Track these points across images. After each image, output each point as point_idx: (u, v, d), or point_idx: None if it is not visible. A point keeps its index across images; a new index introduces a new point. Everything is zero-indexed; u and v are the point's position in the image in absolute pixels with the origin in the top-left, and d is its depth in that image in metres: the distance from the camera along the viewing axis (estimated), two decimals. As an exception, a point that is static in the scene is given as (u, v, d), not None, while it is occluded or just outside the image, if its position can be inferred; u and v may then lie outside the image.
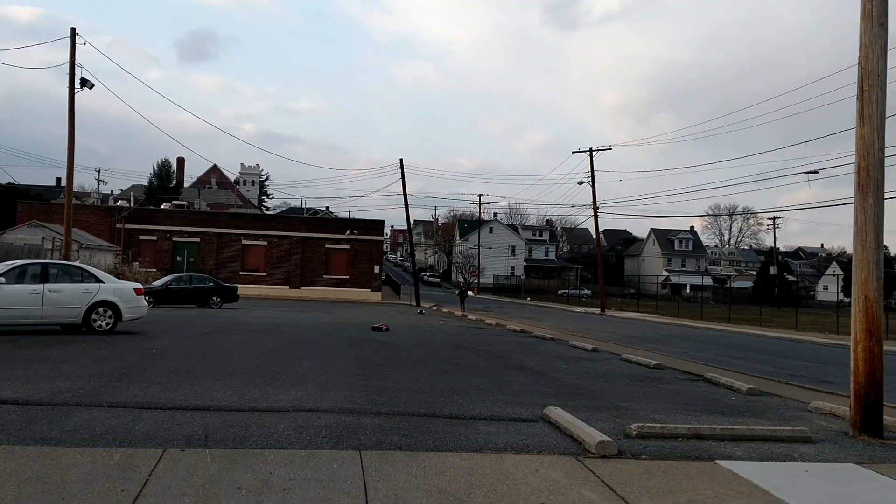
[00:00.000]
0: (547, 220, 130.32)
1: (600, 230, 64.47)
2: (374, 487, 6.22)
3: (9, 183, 59.37)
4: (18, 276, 17.06)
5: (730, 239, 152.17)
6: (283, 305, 41.92)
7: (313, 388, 10.86)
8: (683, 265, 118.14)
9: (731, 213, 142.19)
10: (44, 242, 37.32)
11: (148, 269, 47.16)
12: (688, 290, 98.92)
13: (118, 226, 55.14)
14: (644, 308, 62.09)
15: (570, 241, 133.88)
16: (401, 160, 55.00)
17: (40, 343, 15.08)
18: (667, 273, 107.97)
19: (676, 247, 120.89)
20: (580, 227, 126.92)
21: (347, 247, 59.77)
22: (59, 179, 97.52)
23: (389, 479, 6.47)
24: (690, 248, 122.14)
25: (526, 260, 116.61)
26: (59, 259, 28.28)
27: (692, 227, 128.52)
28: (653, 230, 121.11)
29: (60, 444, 6.95)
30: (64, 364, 12.09)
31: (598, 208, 58.56)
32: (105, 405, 8.77)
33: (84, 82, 32.11)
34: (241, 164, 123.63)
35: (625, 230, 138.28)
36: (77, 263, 22.33)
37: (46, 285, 17.11)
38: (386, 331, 25.02)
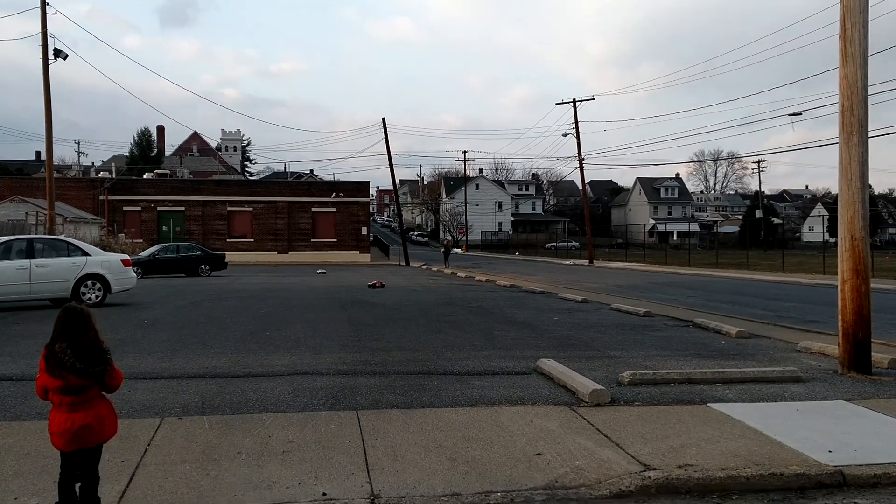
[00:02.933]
0: (533, 175, 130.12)
1: (586, 182, 64.48)
2: (372, 445, 6.29)
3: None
4: (4, 252, 16.92)
5: (715, 184, 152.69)
6: (273, 271, 41.87)
7: (307, 352, 10.91)
8: (670, 213, 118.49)
9: (716, 159, 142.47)
10: (27, 217, 36.97)
11: (134, 240, 46.87)
12: (675, 238, 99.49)
13: (101, 198, 54.60)
14: (632, 257, 62.44)
15: (557, 194, 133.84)
16: (383, 119, 54.55)
17: (31, 319, 15.02)
18: (653, 221, 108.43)
19: (662, 195, 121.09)
20: (566, 179, 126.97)
21: (334, 209, 59.52)
22: (38, 153, 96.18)
23: (387, 437, 6.54)
24: (676, 196, 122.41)
25: (513, 215, 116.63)
26: (44, 234, 28.04)
27: (678, 174, 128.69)
28: (638, 179, 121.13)
29: (57, 417, 6.96)
30: (56, 339, 12.07)
31: (583, 160, 58.48)
32: (100, 377, 8.77)
33: (57, 53, 31.47)
34: (222, 129, 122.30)
35: (611, 181, 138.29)
36: (63, 237, 22.14)
37: (33, 261, 16.99)
38: (381, 287, 25.16)
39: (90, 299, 17.48)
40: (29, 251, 17.26)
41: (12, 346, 11.36)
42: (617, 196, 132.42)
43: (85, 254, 17.99)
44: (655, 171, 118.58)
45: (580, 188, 73.26)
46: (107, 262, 18.36)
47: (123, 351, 10.78)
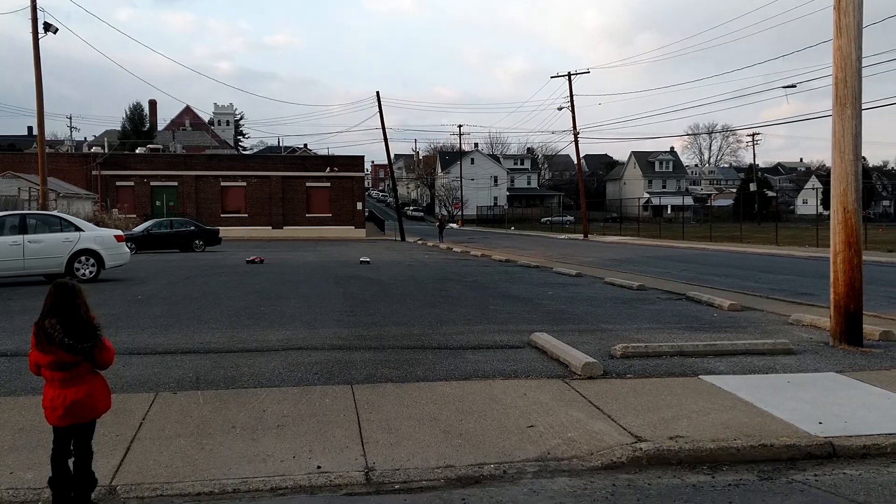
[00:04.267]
0: (528, 149, 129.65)
1: (581, 156, 64.28)
2: (367, 419, 6.33)
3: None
4: (-4, 228, 16.85)
5: (710, 158, 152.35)
6: (267, 246, 41.81)
7: (302, 327, 10.93)
8: (664, 186, 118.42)
9: (711, 132, 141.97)
10: (20, 193, 36.75)
11: (127, 216, 46.69)
12: (669, 211, 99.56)
13: (94, 173, 54.28)
14: (626, 231, 62.52)
15: (552, 168, 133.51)
16: (377, 93, 54.12)
17: (24, 294, 15.00)
18: (648, 195, 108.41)
19: (657, 168, 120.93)
20: (561, 153, 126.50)
21: (328, 184, 59.28)
22: (30, 129, 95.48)
23: (382, 411, 6.57)
24: (671, 169, 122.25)
25: (508, 189, 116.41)
26: (37, 209, 27.90)
27: (672, 147, 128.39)
28: (633, 153, 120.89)
29: (52, 393, 6.97)
30: (50, 314, 12.05)
31: (578, 134, 58.28)
32: (94, 353, 8.77)
33: (48, 27, 31.10)
34: (215, 104, 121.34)
35: (605, 154, 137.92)
36: (55, 213, 22.06)
37: (26, 236, 16.92)
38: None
39: (84, 275, 17.45)
40: (22, 227, 17.18)
41: (6, 321, 11.35)
42: (612, 170, 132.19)
43: (78, 229, 17.92)
44: (650, 145, 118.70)
45: (575, 162, 73.06)
46: (100, 237, 18.31)
47: (118, 326, 10.78)
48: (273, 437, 5.88)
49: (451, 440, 5.87)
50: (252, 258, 19.49)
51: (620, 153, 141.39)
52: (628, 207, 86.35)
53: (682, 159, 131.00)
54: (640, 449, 5.54)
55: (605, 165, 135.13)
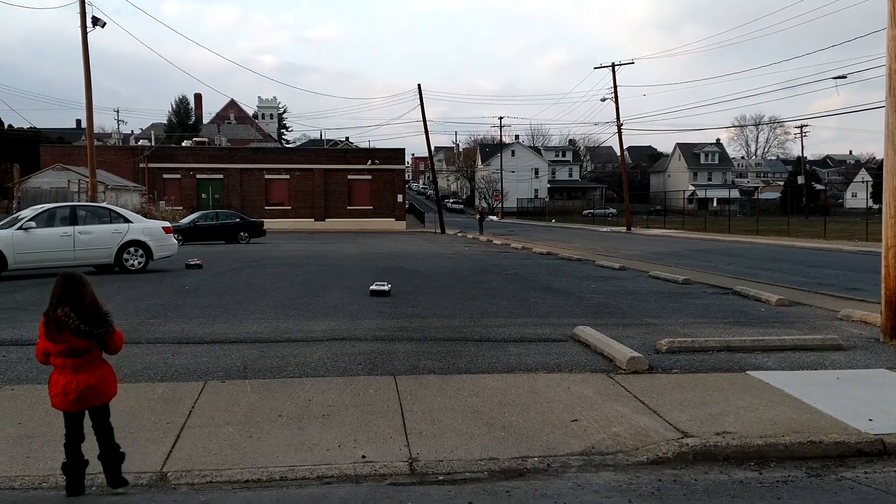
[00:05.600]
0: (570, 140, 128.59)
1: (625, 147, 63.57)
2: (410, 410, 6.37)
3: (30, 127, 59.61)
4: (48, 219, 17.30)
5: (756, 150, 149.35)
6: (309, 238, 42.24)
7: (345, 318, 11.02)
8: (710, 179, 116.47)
9: (758, 124, 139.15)
10: (70, 185, 37.66)
11: (174, 208, 47.54)
12: (714, 204, 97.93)
13: (141, 165, 55.39)
14: (671, 224, 61.68)
15: (594, 160, 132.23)
16: (419, 86, 54.27)
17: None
18: (693, 188, 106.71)
19: (702, 160, 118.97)
20: (604, 145, 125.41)
21: (370, 177, 59.61)
22: (79, 121, 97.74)
23: (425, 402, 6.61)
24: (717, 162, 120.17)
25: (549, 182, 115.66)
26: (87, 201, 28.60)
27: (718, 139, 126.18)
28: (678, 145, 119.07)
29: (105, 380, 7.16)
30: (101, 304, 12.35)
31: (621, 125, 57.62)
32: (144, 342, 8.99)
33: (95, 21, 31.80)
34: (259, 97, 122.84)
35: (650, 146, 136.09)
36: (105, 205, 22.57)
37: (76, 227, 17.35)
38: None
39: (133, 265, 17.83)
40: (73, 218, 17.62)
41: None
42: (656, 162, 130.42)
43: (127, 221, 18.31)
44: (695, 137, 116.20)
45: (618, 154, 72.31)
46: (148, 229, 18.68)
47: (166, 316, 11.01)
48: (318, 427, 5.96)
49: (495, 433, 5.88)
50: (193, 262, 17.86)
51: (665, 145, 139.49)
52: (673, 200, 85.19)
53: (728, 151, 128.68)
54: (687, 444, 5.48)
55: (649, 157, 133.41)
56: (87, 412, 4.66)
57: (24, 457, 5.22)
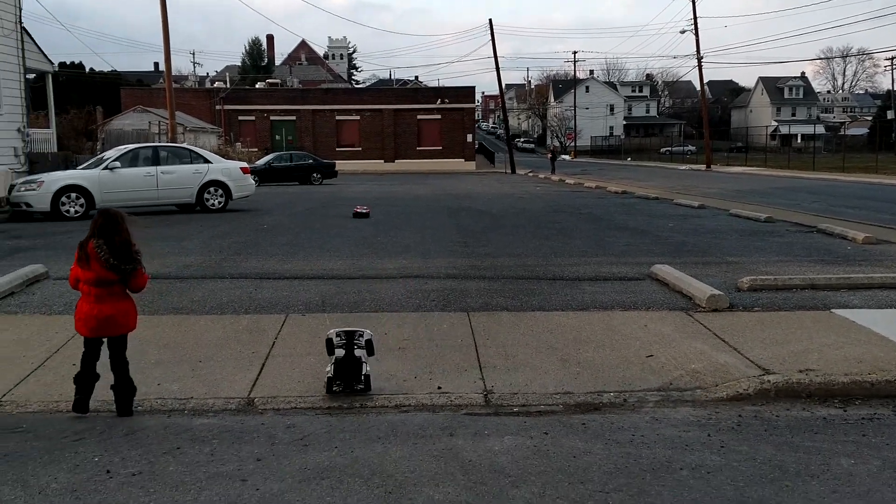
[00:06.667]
0: (647, 75, 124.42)
1: (705, 82, 61.16)
2: (483, 345, 6.43)
3: (111, 70, 61.25)
4: (132, 159, 17.87)
5: (843, 84, 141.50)
6: (379, 179, 42.55)
7: (417, 256, 11.13)
8: (793, 114, 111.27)
9: (846, 56, 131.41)
10: (150, 127, 38.63)
11: (249, 149, 48.38)
12: (798, 141, 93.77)
13: (217, 107, 56.41)
14: (752, 162, 59.49)
15: (673, 95, 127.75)
16: (490, 20, 53.10)
17: (160, 222, 15.94)
18: (776, 123, 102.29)
19: (786, 95, 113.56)
20: (683, 79, 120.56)
21: (439, 117, 59.23)
22: (156, 64, 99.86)
23: (498, 337, 6.66)
24: (801, 96, 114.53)
25: (625, 118, 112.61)
26: (167, 142, 29.37)
27: (803, 73, 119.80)
28: (760, 79, 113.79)
29: (192, 312, 7.47)
30: (185, 241, 12.81)
31: (701, 58, 55.35)
32: (228, 277, 9.30)
33: (170, -36, 32.04)
34: (329, 37, 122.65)
35: (731, 80, 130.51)
36: (185, 146, 23.16)
37: (159, 168, 17.87)
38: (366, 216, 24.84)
39: (213, 205, 18.33)
40: (155, 159, 18.15)
41: (145, 247, 11.93)
42: (737, 97, 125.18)
43: (207, 161, 18.75)
44: (779, 70, 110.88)
45: (698, 89, 69.69)
46: (227, 169, 19.10)
47: (247, 253, 11.34)
48: (395, 358, 6.09)
49: (569, 368, 5.89)
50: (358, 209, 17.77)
51: (747, 79, 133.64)
52: (754, 137, 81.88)
53: (813, 85, 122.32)
54: (769, 381, 5.38)
55: (729, 92, 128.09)
56: (106, 342, 4.96)
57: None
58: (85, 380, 4.93)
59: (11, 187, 17.03)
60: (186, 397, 5.29)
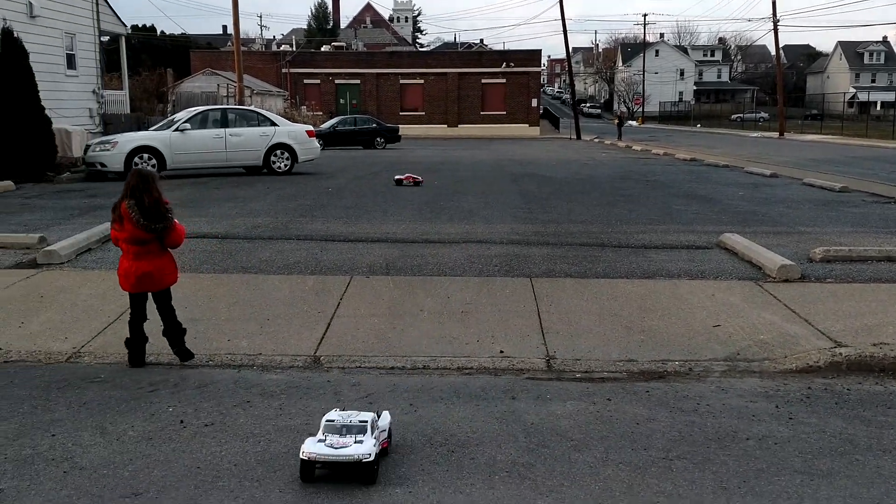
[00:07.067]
0: (720, 39, 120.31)
1: (780, 46, 58.81)
2: (546, 311, 6.41)
3: (181, 33, 62.43)
4: (201, 121, 18.21)
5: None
6: (442, 144, 42.44)
7: (480, 222, 11.11)
8: (873, 81, 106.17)
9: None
10: (219, 89, 39.32)
11: (314, 113, 48.83)
12: (878, 108, 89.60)
13: (283, 71, 56.95)
14: (828, 129, 57.15)
15: (746, 60, 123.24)
16: (557, -18, 51.85)
17: (228, 184, 16.29)
18: (854, 90, 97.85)
19: (866, 60, 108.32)
20: (757, 44, 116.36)
21: (504, 80, 58.54)
22: (224, 27, 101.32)
23: (561, 303, 6.63)
24: (882, 62, 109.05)
25: (696, 84, 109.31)
26: (235, 105, 29.88)
27: (885, 37, 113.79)
28: (839, 43, 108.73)
29: (260, 272, 7.65)
30: (252, 202, 13.08)
31: (777, 21, 53.17)
32: (294, 238, 9.48)
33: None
34: (394, 0, 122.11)
35: (807, 45, 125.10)
36: (253, 108, 23.49)
37: (227, 130, 18.19)
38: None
39: (279, 168, 18.59)
40: (224, 121, 18.46)
41: (215, 207, 12.43)
42: (814, 62, 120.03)
43: (273, 124, 18.98)
44: (859, 34, 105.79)
45: (772, 54, 67.06)
46: (293, 132, 19.30)
47: (313, 216, 11.51)
48: (457, 322, 6.13)
49: (633, 336, 5.83)
50: (401, 178, 16.28)
51: (825, 44, 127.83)
52: (831, 104, 78.60)
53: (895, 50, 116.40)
54: (840, 354, 5.23)
55: (806, 57, 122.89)
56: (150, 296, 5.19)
57: (191, 338, 5.70)
58: (135, 343, 5.18)
59: (87, 147, 17.59)
60: (255, 353, 5.44)
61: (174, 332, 5.26)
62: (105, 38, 24.29)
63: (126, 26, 26.60)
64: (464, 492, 3.42)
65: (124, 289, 5.19)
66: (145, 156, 16.98)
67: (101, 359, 5.38)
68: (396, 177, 16.78)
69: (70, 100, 20.37)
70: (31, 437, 3.99)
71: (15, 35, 15.96)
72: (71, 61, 20.83)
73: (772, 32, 54.40)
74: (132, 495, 3.37)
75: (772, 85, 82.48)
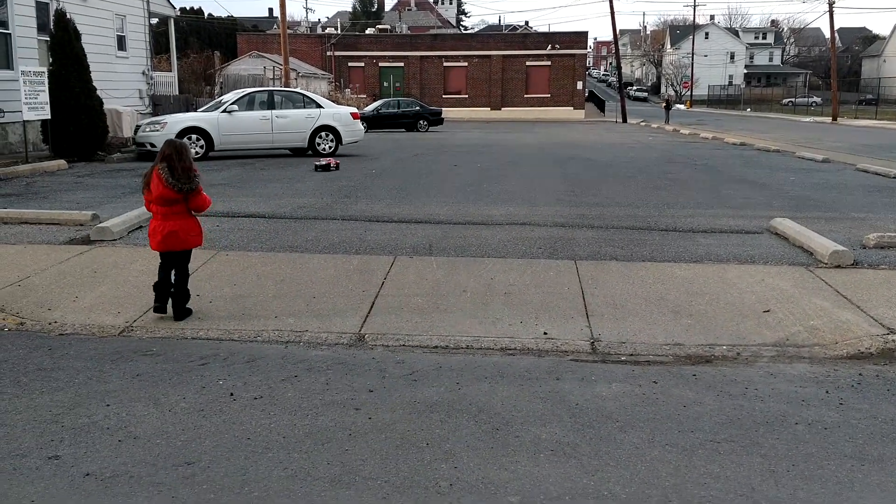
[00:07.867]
0: (772, 21, 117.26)
1: (835, 28, 57.09)
2: (591, 293, 6.37)
3: (228, 16, 63.11)
4: (248, 103, 18.42)
5: None
6: (486, 127, 42.26)
7: (524, 204, 11.06)
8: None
9: None
10: (265, 72, 39.73)
11: (358, 96, 49.04)
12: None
13: (328, 53, 57.21)
14: (883, 115, 55.42)
15: (799, 43, 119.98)
16: (604, -36, 51.06)
17: (274, 165, 16.48)
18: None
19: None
20: (811, 26, 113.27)
21: (548, 63, 57.96)
22: (270, 10, 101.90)
23: (606, 286, 6.58)
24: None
25: (746, 67, 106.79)
26: (281, 87, 30.13)
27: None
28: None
29: (305, 251, 7.74)
30: (297, 183, 13.21)
31: (833, 2, 51.59)
32: (338, 218, 9.56)
33: None
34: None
35: (863, 27, 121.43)
36: (299, 90, 23.66)
37: (274, 111, 18.38)
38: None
39: (324, 150, 18.72)
40: (270, 103, 18.65)
41: (262, 188, 12.59)
42: (870, 45, 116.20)
43: (319, 106, 19.11)
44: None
45: (827, 36, 65.16)
46: (338, 114, 19.41)
47: (357, 196, 11.59)
48: (501, 303, 6.13)
49: (680, 320, 5.77)
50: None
51: (882, 26, 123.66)
52: (887, 88, 76.17)
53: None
54: (893, 341, 5.11)
55: (861, 40, 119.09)
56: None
57: (240, 314, 5.80)
58: (161, 287, 5.67)
59: (137, 128, 17.93)
60: (302, 330, 5.52)
61: (181, 295, 5.68)
62: (154, 21, 24.67)
63: (175, 9, 26.98)
64: (509, 468, 3.43)
65: (153, 247, 5.65)
66: (193, 136, 17.26)
67: (153, 333, 5.51)
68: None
69: (120, 81, 20.78)
70: (87, 407, 4.11)
71: (68, 17, 16.29)
72: (121, 43, 21.24)
73: (826, 14, 52.76)
74: (185, 464, 3.46)
75: (825, 69, 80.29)
